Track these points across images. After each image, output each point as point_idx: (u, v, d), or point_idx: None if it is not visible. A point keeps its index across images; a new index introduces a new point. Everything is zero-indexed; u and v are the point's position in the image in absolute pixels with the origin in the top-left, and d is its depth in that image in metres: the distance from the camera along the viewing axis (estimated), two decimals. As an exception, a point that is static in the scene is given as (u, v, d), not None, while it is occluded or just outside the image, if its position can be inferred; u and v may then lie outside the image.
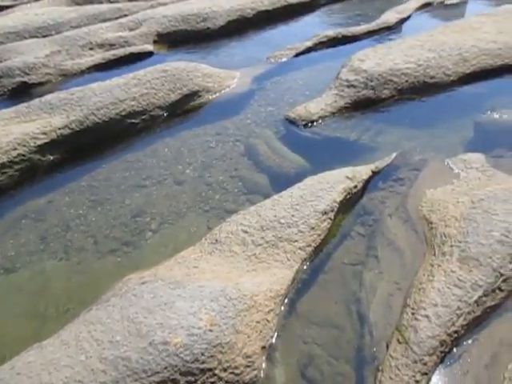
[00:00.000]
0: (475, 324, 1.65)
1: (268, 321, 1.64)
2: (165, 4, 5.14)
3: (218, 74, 3.48)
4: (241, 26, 4.66)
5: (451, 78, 3.24)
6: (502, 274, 1.72)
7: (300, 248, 1.90)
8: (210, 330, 1.48)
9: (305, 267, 1.94)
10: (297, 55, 3.92)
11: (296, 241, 1.92)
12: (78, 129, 2.84)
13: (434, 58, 3.26)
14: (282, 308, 1.78)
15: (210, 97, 3.35)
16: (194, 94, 3.29)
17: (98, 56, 4.03)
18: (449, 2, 5.15)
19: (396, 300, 1.78)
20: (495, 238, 1.81)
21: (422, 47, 3.40)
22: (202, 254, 1.90)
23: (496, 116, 2.92)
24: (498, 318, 1.70)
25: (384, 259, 1.96)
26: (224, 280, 1.70)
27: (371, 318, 1.74)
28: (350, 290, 1.89)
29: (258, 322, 1.60)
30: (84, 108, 2.91)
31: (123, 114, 2.99)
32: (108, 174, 2.71)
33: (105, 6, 4.99)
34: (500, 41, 3.58)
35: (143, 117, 3.07)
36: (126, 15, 4.80)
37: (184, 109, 3.27)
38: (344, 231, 2.15)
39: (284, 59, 3.87)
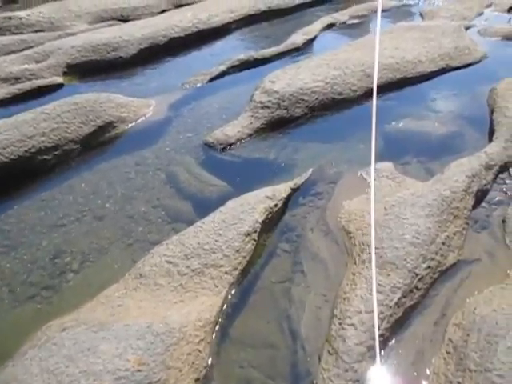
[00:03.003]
0: (398, 325, 1.74)
1: (200, 351, 1.61)
2: (73, 34, 5.00)
3: (132, 103, 3.43)
4: (154, 54, 4.64)
5: (357, 93, 3.45)
6: (417, 274, 1.83)
7: (226, 272, 1.90)
8: (139, 371, 1.42)
9: (233, 291, 1.93)
10: (211, 80, 3.97)
11: (222, 266, 1.92)
12: (-18, 170, 2.66)
13: (339, 76, 3.45)
14: (214, 335, 1.76)
15: (126, 127, 3.29)
16: (108, 126, 3.21)
17: (3, 91, 3.81)
18: (350, 22, 5.50)
19: (324, 312, 1.83)
20: (407, 240, 1.93)
21: (328, 66, 3.59)
22: (126, 291, 1.84)
23: (401, 125, 3.14)
24: (418, 316, 1.80)
25: (310, 273, 2.02)
26: (151, 315, 1.65)
27: (302, 332, 1.77)
28: (281, 307, 1.92)
29: (189, 354, 1.56)
30: (-12, 148, 2.73)
31: (33, 151, 2.84)
32: (21, 215, 2.55)
33: (8, 38, 4.75)
34: (397, 56, 3.87)
35: (56, 152, 2.94)
36: (31, 47, 4.60)
37: (99, 141, 3.18)
38: (269, 250, 2.18)
39: (199, 84, 3.90)
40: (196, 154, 2.98)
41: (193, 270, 1.89)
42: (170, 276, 1.87)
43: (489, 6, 5.94)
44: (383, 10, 5.86)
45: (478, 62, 4.15)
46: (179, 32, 4.87)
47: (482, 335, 1.57)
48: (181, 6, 5.97)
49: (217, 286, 1.84)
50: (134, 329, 1.56)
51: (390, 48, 4.01)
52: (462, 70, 4.02)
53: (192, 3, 6.02)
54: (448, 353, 1.61)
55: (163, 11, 5.82)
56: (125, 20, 5.52)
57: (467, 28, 4.94)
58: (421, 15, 5.67)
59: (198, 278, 1.87)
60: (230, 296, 1.91)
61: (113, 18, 5.60)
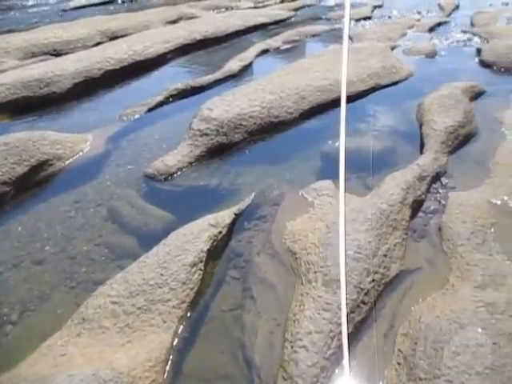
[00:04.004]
0: (349, 340, 1.75)
1: (151, 393, 1.55)
2: (3, 71, 4.83)
3: (68, 139, 3.33)
4: (89, 87, 4.56)
5: (294, 115, 3.54)
6: (362, 289, 1.87)
7: (174, 307, 1.85)
8: (85, 423, 1.34)
9: (183, 325, 1.89)
10: (149, 110, 3.94)
11: (169, 300, 1.87)
12: None
13: (275, 100, 3.54)
14: (166, 375, 1.70)
15: (63, 164, 3.18)
16: (43, 164, 3.09)
17: None
18: (283, 47, 5.69)
19: (277, 336, 1.82)
20: (350, 256, 1.97)
21: (263, 90, 3.67)
22: (69, 338, 1.74)
23: (337, 144, 3.23)
24: (367, 330, 1.83)
25: (259, 298, 2.00)
26: (96, 362, 1.58)
27: (257, 360, 1.75)
28: (234, 336, 1.89)
29: (139, 398, 1.50)
30: None
31: (-40, 197, 2.68)
32: (-50, 267, 2.37)
33: None
34: (330, 78, 4.03)
35: (-13, 197, 2.79)
36: (-44, 86, 4.39)
37: (35, 181, 3.05)
38: (218, 278, 2.15)
39: (137, 116, 3.86)
40: (138, 187, 2.92)
41: (139, 308, 1.83)
42: (115, 317, 1.79)
43: (411, 27, 6.35)
44: (314, 35, 6.13)
45: (404, 80, 4.40)
46: (114, 64, 4.83)
47: (428, 343, 1.62)
48: (115, 38, 5.95)
49: (165, 322, 1.79)
50: (79, 379, 1.48)
51: (323, 71, 4.17)
52: (391, 88, 4.24)
53: (127, 35, 6.02)
54: (399, 364, 1.64)
55: (97, 44, 5.77)
56: (57, 54, 5.42)
57: (393, 48, 5.25)
58: (350, 38, 5.95)
59: (145, 316, 1.81)
60: (180, 331, 1.86)
61: (45, 53, 5.48)
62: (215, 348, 1.84)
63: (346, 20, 3.02)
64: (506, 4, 7.54)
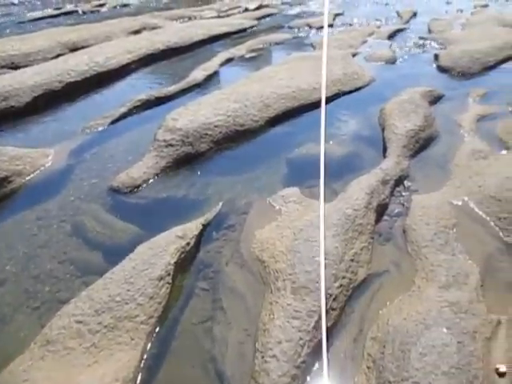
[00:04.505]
0: (320, 348, 1.76)
1: (119, 413, 1.51)
2: (-43, 87, 4.65)
3: (28, 154, 3.23)
4: (50, 101, 4.44)
5: (259, 123, 3.56)
6: (330, 295, 1.88)
7: (142, 322, 1.81)
8: None
9: (152, 340, 1.85)
10: (113, 122, 3.88)
11: (137, 316, 1.83)
12: None
13: (240, 108, 3.55)
14: (135, 393, 1.66)
15: (23, 180, 3.08)
16: (3, 181, 2.98)
17: None
18: (247, 56, 5.72)
19: (247, 347, 1.81)
20: (318, 262, 1.98)
21: (228, 99, 3.67)
22: (32, 362, 1.67)
23: (303, 151, 3.27)
24: (337, 335, 1.84)
25: (229, 309, 1.99)
26: (61, 384, 1.52)
27: (228, 372, 1.73)
28: (204, 349, 1.86)
29: (107, 420, 1.45)
30: None
31: None
32: None
33: None
34: (293, 85, 4.07)
35: None
36: None
37: (-6, 198, 2.94)
38: (187, 291, 2.12)
39: (101, 128, 3.79)
40: (103, 201, 2.86)
41: (105, 326, 1.78)
42: (80, 337, 1.74)
43: (371, 34, 6.51)
44: (277, 43, 6.20)
45: (366, 86, 4.50)
46: (75, 76, 4.73)
47: (396, 345, 1.64)
48: (76, 49, 5.84)
49: (133, 339, 1.75)
50: (42, 403, 1.42)
51: (286, 78, 4.22)
52: (354, 94, 4.33)
53: (88, 46, 5.92)
54: (368, 368, 1.65)
55: (58, 56, 5.64)
56: (16, 67, 5.26)
57: (354, 55, 5.36)
58: (312, 46, 6.06)
59: (112, 334, 1.76)
60: (149, 347, 1.82)
61: (2, 67, 5.32)
62: (186, 362, 1.81)
63: (325, 26, 3.08)
64: (461, 11, 7.84)
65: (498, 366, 1.57)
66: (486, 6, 8.28)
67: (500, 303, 1.89)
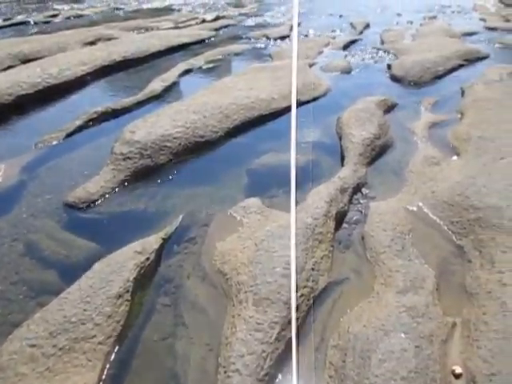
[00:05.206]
0: (283, 359, 1.75)
1: None
2: None
3: (-24, 171, 3.10)
4: (0, 114, 4.28)
5: (219, 134, 3.55)
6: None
7: (100, 343, 1.75)
8: None
9: (111, 361, 1.79)
10: (68, 136, 3.77)
11: (94, 336, 1.77)
12: None
13: (199, 119, 3.53)
14: (93, 417, 1.60)
15: (-29, 199, 2.94)
16: (-51, 200, 2.84)
17: None
18: (206, 67, 5.72)
19: (210, 362, 1.78)
20: (279, 273, 1.99)
21: (187, 111, 3.65)
22: (-20, 391, 1.59)
23: (263, 161, 3.29)
24: (300, 345, 1.83)
25: (191, 324, 1.96)
26: (13, 413, 1.45)
27: (191, 389, 1.70)
28: (166, 366, 1.82)
29: None
30: None
31: None
32: None
33: None
34: (252, 96, 4.10)
35: None
36: None
37: None
38: (147, 307, 2.08)
39: (55, 142, 3.67)
40: (58, 217, 2.76)
41: (60, 349, 1.71)
42: (33, 361, 1.66)
43: (327, 45, 6.66)
44: (235, 54, 6.23)
45: (324, 95, 4.58)
46: (27, 89, 4.58)
47: (356, 353, 1.66)
48: (28, 61, 5.66)
49: (90, 361, 1.69)
50: None
51: (245, 89, 4.24)
52: (312, 104, 4.39)
53: (41, 57, 5.75)
54: (330, 377, 1.66)
55: (8, 67, 5.46)
56: (-38, 80, 5.04)
57: (311, 65, 5.46)
58: (270, 56, 6.13)
59: (68, 356, 1.69)
60: (107, 368, 1.76)
61: None
62: (147, 381, 1.77)
63: (295, 33, 3.13)
64: (411, 22, 8.15)
65: (454, 368, 1.62)
66: (434, 17, 8.64)
67: (454, 305, 1.95)
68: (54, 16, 9.85)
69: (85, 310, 1.84)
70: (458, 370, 1.60)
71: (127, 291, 1.96)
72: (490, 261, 2.10)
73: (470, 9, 9.59)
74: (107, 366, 1.76)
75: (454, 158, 3.17)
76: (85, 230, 2.63)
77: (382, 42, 6.74)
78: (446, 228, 2.44)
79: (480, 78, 4.83)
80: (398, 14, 9.01)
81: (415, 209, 2.60)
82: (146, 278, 2.17)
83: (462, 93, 4.48)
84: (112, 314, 1.85)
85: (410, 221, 2.48)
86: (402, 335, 1.67)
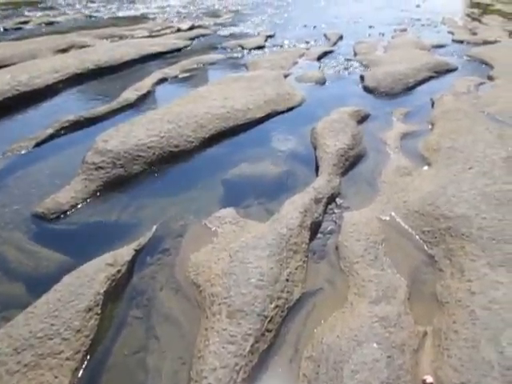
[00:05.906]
0: (256, 372, 1.74)
1: None
2: None
3: None
4: (-33, 122, 4.17)
5: (194, 144, 3.53)
6: (266, 317, 1.87)
7: (68, 358, 1.70)
8: None
9: (79, 377, 1.73)
10: (39, 145, 3.68)
11: (61, 352, 1.71)
12: None
13: (174, 129, 3.51)
14: None
15: None
16: None
17: None
18: (181, 76, 5.70)
19: (182, 376, 1.75)
20: (253, 284, 1.97)
21: (161, 120, 3.62)
22: None
23: (238, 171, 3.28)
24: (273, 357, 1.82)
25: (163, 337, 1.92)
26: None
27: (162, 404, 1.66)
28: (137, 381, 1.77)
29: None
30: None
31: None
32: None
33: None
34: (227, 105, 4.10)
35: None
36: None
37: None
38: (119, 320, 2.03)
39: (24, 151, 3.58)
40: (26, 228, 2.68)
41: (25, 365, 1.65)
42: (-3, 379, 1.60)
43: (302, 55, 6.74)
44: (210, 64, 6.24)
45: (298, 106, 4.62)
46: (-4, 96, 4.47)
47: (329, 364, 1.66)
48: (-2, 67, 5.53)
49: (57, 377, 1.63)
50: None
51: (220, 99, 4.24)
52: (286, 114, 4.43)
53: (10, 64, 5.63)
54: (304, 388, 1.65)
55: (-24, 74, 5.31)
56: None
57: (286, 76, 5.50)
58: (245, 66, 6.16)
59: (33, 373, 1.63)
60: (76, 384, 1.71)
61: None
62: (117, 397, 1.72)
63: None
64: (383, 34, 8.33)
65: (424, 378, 1.63)
66: (404, 30, 8.85)
67: (426, 314, 1.97)
68: (25, 23, 9.67)
69: (52, 325, 1.78)
70: (429, 379, 1.61)
71: (97, 304, 1.91)
72: (459, 269, 2.14)
73: (438, 22, 9.86)
74: (74, 382, 1.70)
75: (425, 167, 3.23)
76: (54, 241, 2.56)
77: (355, 54, 6.86)
78: (417, 237, 2.48)
79: (449, 89, 4.96)
80: (370, 27, 9.20)
81: (388, 218, 2.63)
82: (117, 290, 2.12)
83: (432, 104, 4.60)
84: (81, 329, 1.79)
85: (382, 230, 2.51)
86: (375, 345, 1.68)
